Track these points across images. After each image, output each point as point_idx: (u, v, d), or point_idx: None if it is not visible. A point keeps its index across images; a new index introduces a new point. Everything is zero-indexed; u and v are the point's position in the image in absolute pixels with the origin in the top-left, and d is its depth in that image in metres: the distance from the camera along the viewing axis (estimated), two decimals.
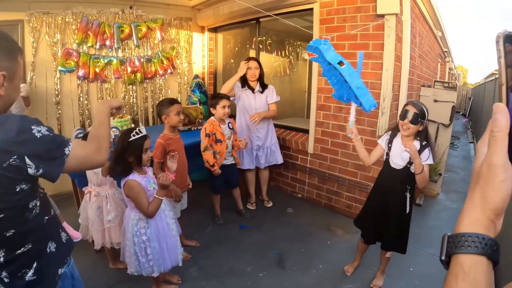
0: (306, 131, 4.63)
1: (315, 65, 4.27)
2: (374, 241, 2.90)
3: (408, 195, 2.58)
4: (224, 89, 3.96)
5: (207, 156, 3.55)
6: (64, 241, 1.46)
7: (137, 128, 2.34)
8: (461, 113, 19.83)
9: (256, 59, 4.15)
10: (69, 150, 1.23)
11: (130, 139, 2.28)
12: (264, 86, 4.15)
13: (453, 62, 13.99)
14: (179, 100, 5.74)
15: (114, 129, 3.43)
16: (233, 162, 3.89)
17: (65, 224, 2.31)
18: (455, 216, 4.51)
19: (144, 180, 2.38)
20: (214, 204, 4.03)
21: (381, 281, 2.97)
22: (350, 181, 4.14)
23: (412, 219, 2.68)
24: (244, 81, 4.10)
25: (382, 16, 3.59)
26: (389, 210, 2.66)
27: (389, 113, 3.68)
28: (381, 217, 2.71)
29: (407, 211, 2.60)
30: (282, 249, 3.49)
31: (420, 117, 2.41)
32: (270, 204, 4.51)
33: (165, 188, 2.29)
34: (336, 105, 4.13)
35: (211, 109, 3.69)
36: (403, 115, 2.46)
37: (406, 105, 2.50)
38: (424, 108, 2.43)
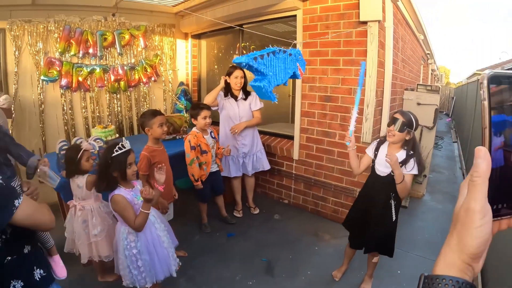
0: (291, 138, 4.65)
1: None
2: (359, 246, 2.93)
3: (393, 202, 2.60)
4: (207, 100, 3.97)
5: (194, 169, 3.54)
6: (38, 279, 1.45)
7: (120, 143, 2.33)
8: (444, 112, 20.15)
9: (241, 68, 4.13)
10: (19, 203, 1.24)
11: (113, 154, 2.28)
12: (247, 93, 4.15)
13: (435, 64, 14.19)
14: (164, 109, 5.75)
15: (98, 140, 3.40)
16: (217, 169, 3.89)
17: (55, 258, 2.27)
18: (440, 216, 4.64)
19: (130, 194, 2.36)
20: (201, 212, 4.01)
21: (370, 285, 3.01)
22: (336, 187, 4.17)
23: (398, 221, 2.70)
24: (227, 90, 4.10)
25: (365, 23, 3.63)
26: (373, 216, 2.69)
27: (373, 119, 3.72)
28: (365, 222, 2.74)
29: (393, 218, 2.62)
30: (270, 256, 3.50)
31: (407, 125, 2.44)
32: (257, 211, 4.51)
33: (149, 202, 2.28)
34: (320, 112, 4.16)
35: (192, 119, 3.67)
36: (391, 122, 2.51)
37: (395, 112, 2.54)
38: (413, 118, 2.47)
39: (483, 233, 0.48)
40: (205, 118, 3.58)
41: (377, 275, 3.07)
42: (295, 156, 4.53)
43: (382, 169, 2.61)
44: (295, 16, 4.24)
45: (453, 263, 0.51)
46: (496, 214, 0.51)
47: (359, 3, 3.63)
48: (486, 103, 0.49)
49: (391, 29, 3.91)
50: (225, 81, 4.02)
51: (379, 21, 3.58)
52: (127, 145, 2.36)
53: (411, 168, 2.49)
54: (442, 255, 0.53)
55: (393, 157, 2.38)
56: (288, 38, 4.11)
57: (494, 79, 0.49)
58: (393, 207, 2.61)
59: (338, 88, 3.95)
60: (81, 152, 2.64)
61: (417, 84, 5.60)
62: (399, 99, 5.24)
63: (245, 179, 4.44)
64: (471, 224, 0.48)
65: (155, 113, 3.05)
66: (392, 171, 2.51)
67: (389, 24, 3.85)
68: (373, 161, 2.70)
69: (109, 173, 2.29)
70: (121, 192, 2.31)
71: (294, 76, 2.57)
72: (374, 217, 2.68)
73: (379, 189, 2.64)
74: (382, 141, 2.70)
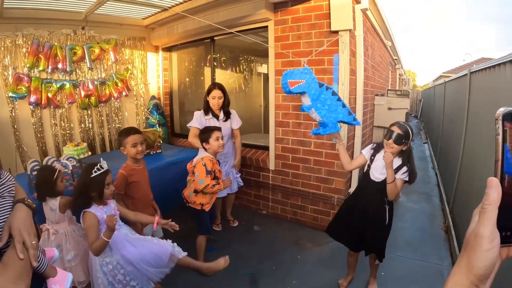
0: (266, 148, 4.66)
1: (271, 81, 4.34)
2: (359, 248, 2.96)
3: (387, 207, 2.70)
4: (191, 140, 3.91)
5: (206, 198, 3.24)
6: None
7: (98, 164, 2.34)
8: (412, 115, 20.71)
9: (220, 87, 3.94)
10: None
11: (92, 175, 2.29)
12: (227, 114, 4.02)
13: (402, 68, 14.59)
14: (137, 124, 5.66)
15: (70, 159, 3.30)
16: None
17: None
18: (418, 216, 4.76)
19: (102, 211, 2.34)
20: (200, 250, 3.42)
21: (375, 286, 3.09)
22: (314, 194, 4.20)
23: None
24: (208, 108, 3.95)
25: (336, 32, 3.71)
26: (368, 220, 2.75)
27: (346, 127, 3.78)
28: (361, 226, 2.79)
29: (387, 221, 2.71)
30: (254, 269, 3.47)
31: (404, 138, 2.51)
32: (236, 224, 4.46)
33: (112, 231, 2.22)
34: (294, 121, 4.20)
35: (204, 144, 3.34)
36: (388, 135, 2.56)
37: (392, 125, 2.60)
38: (409, 129, 2.54)
39: (490, 257, 0.52)
40: (217, 139, 3.29)
41: (362, 278, 3.14)
42: (271, 166, 4.54)
43: (378, 175, 2.69)
44: (266, 27, 4.27)
45: (461, 283, 0.55)
46: (506, 240, 0.55)
47: (330, 13, 3.70)
48: (500, 137, 0.53)
49: (362, 38, 3.99)
50: (205, 98, 3.92)
51: (350, 30, 3.66)
52: (105, 165, 2.38)
53: (401, 174, 2.58)
54: (452, 275, 0.57)
55: (389, 156, 2.48)
56: (260, 48, 4.14)
57: (508, 116, 0.53)
58: (387, 211, 2.70)
59: None
60: (56, 173, 2.57)
61: (387, 90, 5.74)
62: (371, 104, 5.35)
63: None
64: (480, 248, 0.52)
65: (129, 132, 2.94)
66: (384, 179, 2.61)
67: (359, 32, 3.94)
68: (369, 165, 2.77)
69: (87, 193, 2.30)
70: (92, 209, 2.29)
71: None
72: (370, 222, 2.74)
73: (374, 193, 2.72)
74: (377, 148, 2.76)
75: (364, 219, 2.76)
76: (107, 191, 2.37)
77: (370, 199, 2.73)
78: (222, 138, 3.35)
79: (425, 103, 17.68)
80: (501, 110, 0.53)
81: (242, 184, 4.40)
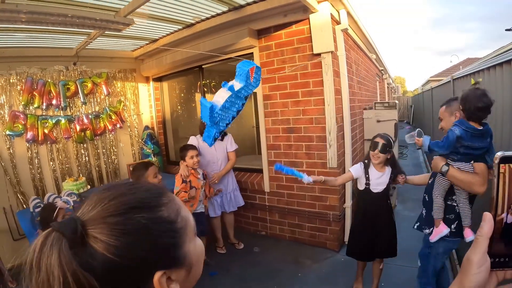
0: (260, 171, 4.76)
1: (260, 106, 4.49)
2: (372, 258, 3.18)
3: (391, 209, 3.05)
4: None
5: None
6: None
7: None
8: (405, 121, 20.90)
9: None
10: None
11: None
12: (223, 134, 4.19)
13: (390, 77, 14.77)
14: (132, 154, 5.74)
15: (71, 195, 3.38)
16: (203, 210, 3.89)
17: None
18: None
19: None
20: None
21: None
22: (310, 212, 4.29)
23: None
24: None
25: (318, 54, 3.84)
26: (378, 226, 3.01)
27: (336, 144, 3.90)
28: (374, 236, 3.03)
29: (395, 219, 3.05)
30: None
31: (388, 146, 2.82)
32: (242, 246, 4.50)
33: None
34: (285, 143, 4.33)
35: (181, 161, 3.74)
36: (374, 147, 2.87)
37: (375, 137, 2.92)
38: (390, 139, 2.86)
39: (478, 279, 0.63)
40: (192, 157, 3.68)
41: None
42: (266, 188, 4.64)
43: (377, 187, 2.97)
44: (252, 53, 4.40)
45: None
46: (499, 265, 0.65)
47: (311, 36, 3.84)
48: (495, 179, 0.61)
49: (344, 57, 4.12)
50: (202, 122, 3.93)
51: (331, 52, 3.79)
52: None
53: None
54: None
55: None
56: None
57: (504, 159, 0.61)
58: (392, 212, 3.07)
59: (300, 119, 4.12)
60: (56, 211, 2.64)
61: (374, 103, 5.85)
62: (359, 119, 5.47)
63: (224, 217, 4.45)
64: (470, 271, 0.64)
65: (147, 165, 3.19)
66: (384, 188, 2.93)
67: (341, 52, 4.07)
68: (367, 183, 2.99)
69: None
70: None
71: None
72: (384, 227, 3.02)
73: (379, 203, 3.00)
74: (367, 164, 3.00)
75: (375, 229, 3.01)
76: None
77: (378, 209, 2.99)
78: (197, 156, 3.73)
79: (416, 108, 17.89)
80: (499, 154, 0.61)
81: (242, 204, 4.51)
